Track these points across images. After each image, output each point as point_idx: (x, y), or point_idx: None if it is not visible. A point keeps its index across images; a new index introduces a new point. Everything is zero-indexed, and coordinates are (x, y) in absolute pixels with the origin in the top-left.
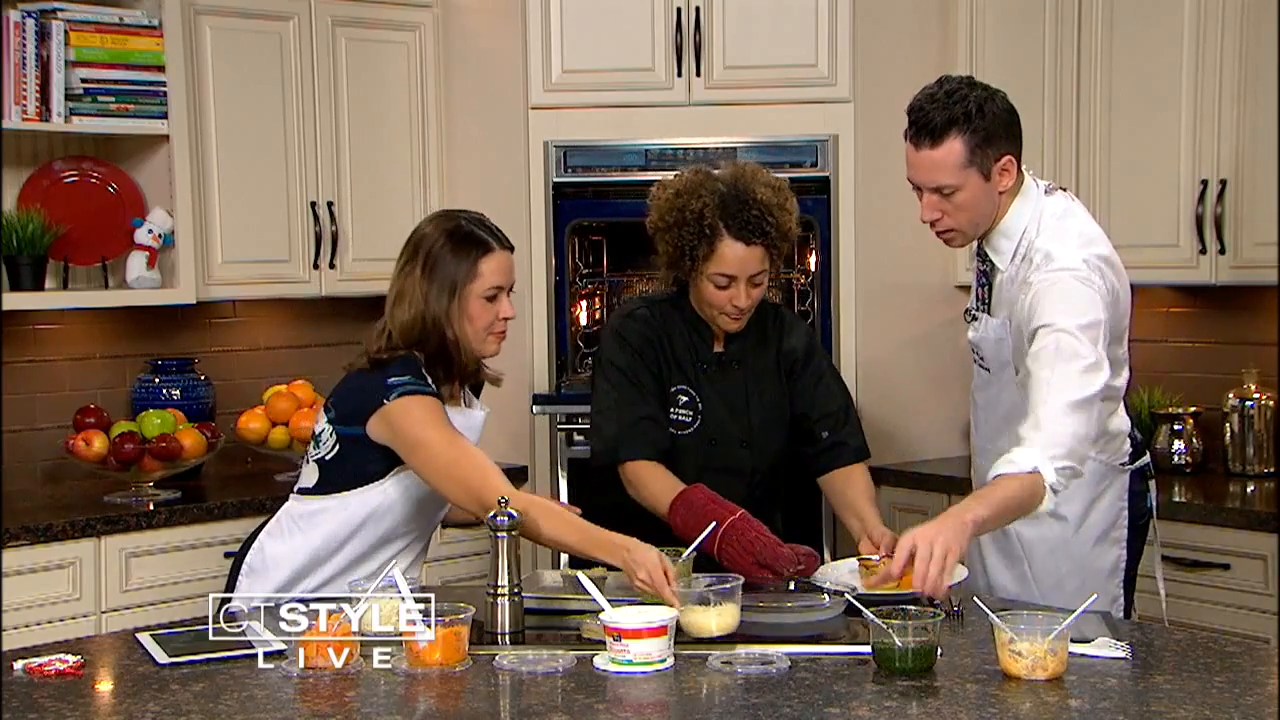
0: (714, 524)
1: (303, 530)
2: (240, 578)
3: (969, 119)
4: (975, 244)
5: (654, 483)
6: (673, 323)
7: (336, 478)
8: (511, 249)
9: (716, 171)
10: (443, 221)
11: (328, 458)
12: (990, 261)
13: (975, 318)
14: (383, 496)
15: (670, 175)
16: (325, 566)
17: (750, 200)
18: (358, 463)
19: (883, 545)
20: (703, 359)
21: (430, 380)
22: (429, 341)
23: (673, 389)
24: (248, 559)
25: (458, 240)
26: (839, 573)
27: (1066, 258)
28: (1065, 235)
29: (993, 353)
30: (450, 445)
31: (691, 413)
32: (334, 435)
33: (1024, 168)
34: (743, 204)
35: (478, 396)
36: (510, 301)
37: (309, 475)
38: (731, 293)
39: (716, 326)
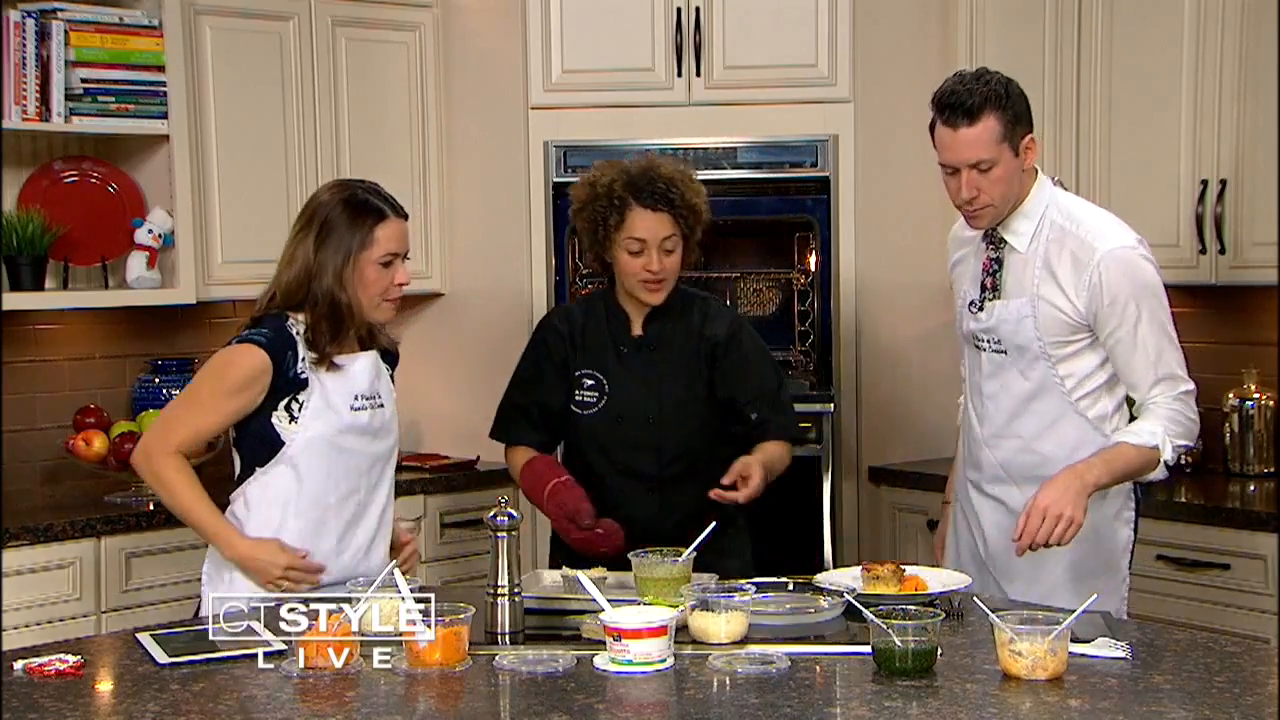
0: (714, 524)
1: (240, 520)
2: (202, 589)
3: (1000, 98)
4: (982, 236)
5: (516, 459)
6: (594, 313)
7: (248, 452)
8: (406, 217)
9: (627, 160)
10: (339, 190)
11: (234, 436)
12: (1001, 247)
13: (981, 307)
14: (298, 452)
15: None
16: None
17: (655, 175)
18: (257, 427)
19: (730, 471)
20: (620, 343)
21: (297, 337)
22: (318, 305)
23: (577, 373)
24: (203, 569)
25: (353, 208)
26: (842, 580)
27: (1121, 235)
28: (1101, 215)
29: (1010, 335)
30: (205, 394)
31: (597, 394)
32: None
33: None
34: (649, 178)
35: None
36: (405, 268)
37: (237, 463)
38: (645, 259)
39: (638, 302)
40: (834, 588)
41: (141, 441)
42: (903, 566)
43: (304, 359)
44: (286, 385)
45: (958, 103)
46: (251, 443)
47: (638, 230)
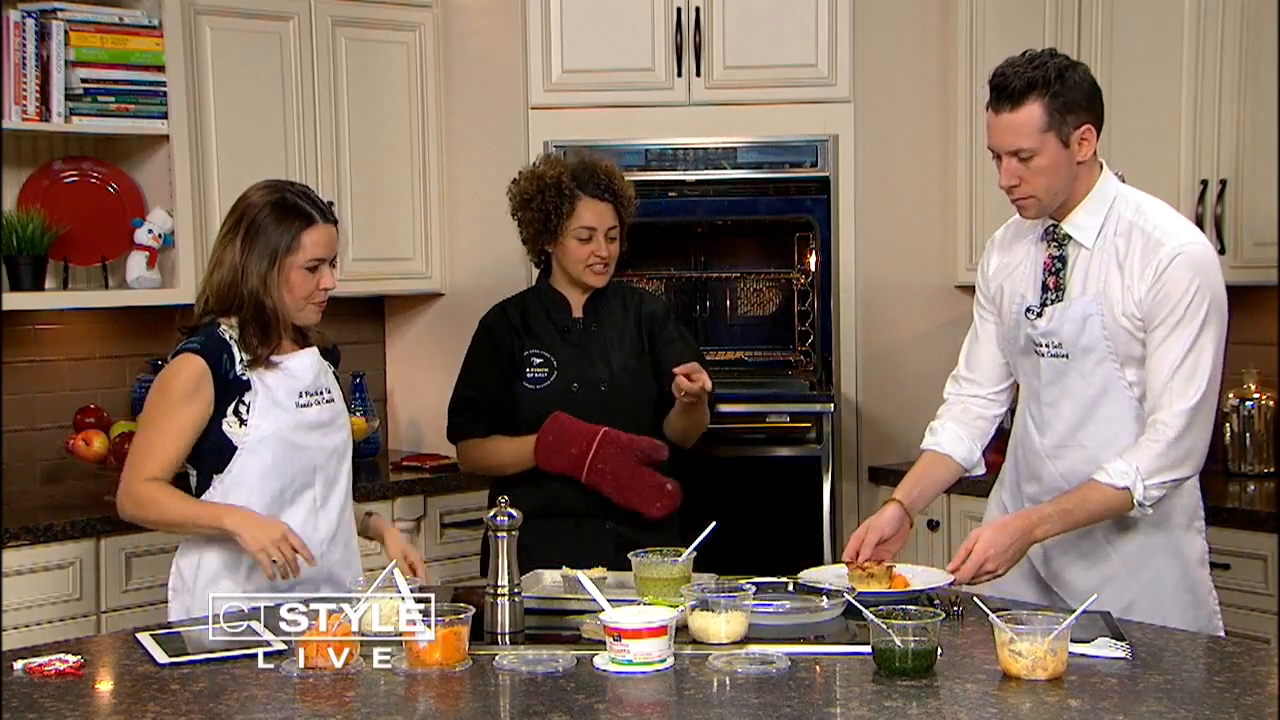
0: (714, 524)
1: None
2: (168, 604)
3: (1048, 84)
4: (1041, 232)
5: (500, 443)
6: (531, 304)
7: (203, 466)
8: (335, 223)
9: (563, 157)
10: (268, 192)
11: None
12: (1065, 244)
13: (1040, 312)
14: (250, 453)
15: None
16: (244, 555)
17: (597, 168)
18: (209, 436)
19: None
20: (563, 325)
21: (232, 342)
22: (244, 307)
23: (526, 353)
24: (169, 582)
25: (281, 211)
26: (826, 577)
27: (1196, 234)
28: (1171, 212)
29: (1074, 336)
30: (160, 415)
31: (546, 369)
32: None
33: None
34: (592, 172)
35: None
36: (331, 273)
37: (193, 478)
38: (594, 245)
39: (578, 288)
40: (818, 585)
41: (119, 490)
42: (888, 564)
43: (241, 360)
44: (229, 389)
45: (1003, 84)
46: (206, 453)
47: (587, 219)
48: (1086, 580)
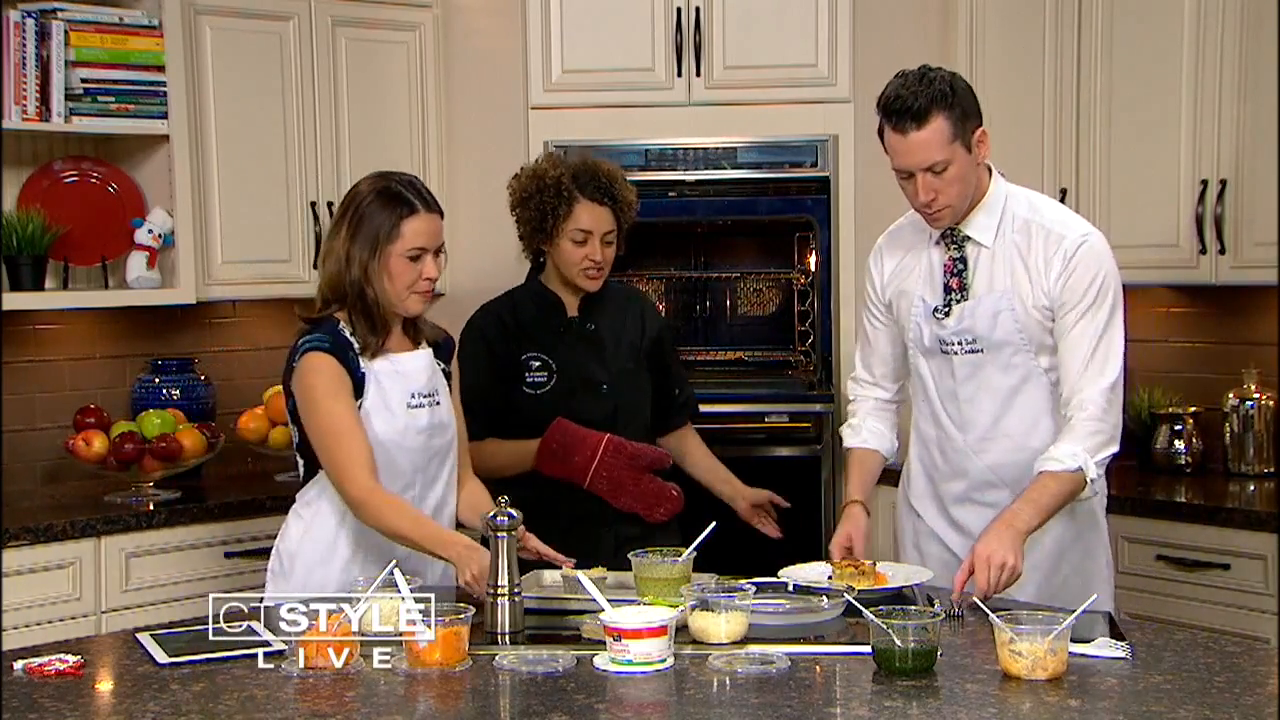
0: (714, 524)
1: (303, 519)
2: (267, 583)
3: (946, 97)
4: (936, 236)
5: (497, 446)
6: (523, 304)
7: (311, 457)
8: (440, 213)
9: (565, 157)
10: (374, 181)
11: (296, 440)
12: (965, 246)
13: (948, 311)
14: None
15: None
16: (339, 547)
17: (598, 171)
18: None
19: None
20: (559, 326)
21: (351, 337)
22: (350, 296)
23: (524, 356)
24: (269, 564)
25: (385, 199)
26: (809, 575)
27: (1087, 224)
28: (1058, 205)
29: (987, 331)
30: (328, 418)
31: (546, 373)
32: (289, 414)
33: None
34: (592, 174)
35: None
36: (436, 263)
37: (301, 467)
38: (589, 249)
39: (575, 288)
40: (818, 585)
41: (347, 499)
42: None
43: (361, 356)
44: (354, 386)
45: (904, 107)
46: (312, 446)
47: (583, 222)
48: (1025, 569)
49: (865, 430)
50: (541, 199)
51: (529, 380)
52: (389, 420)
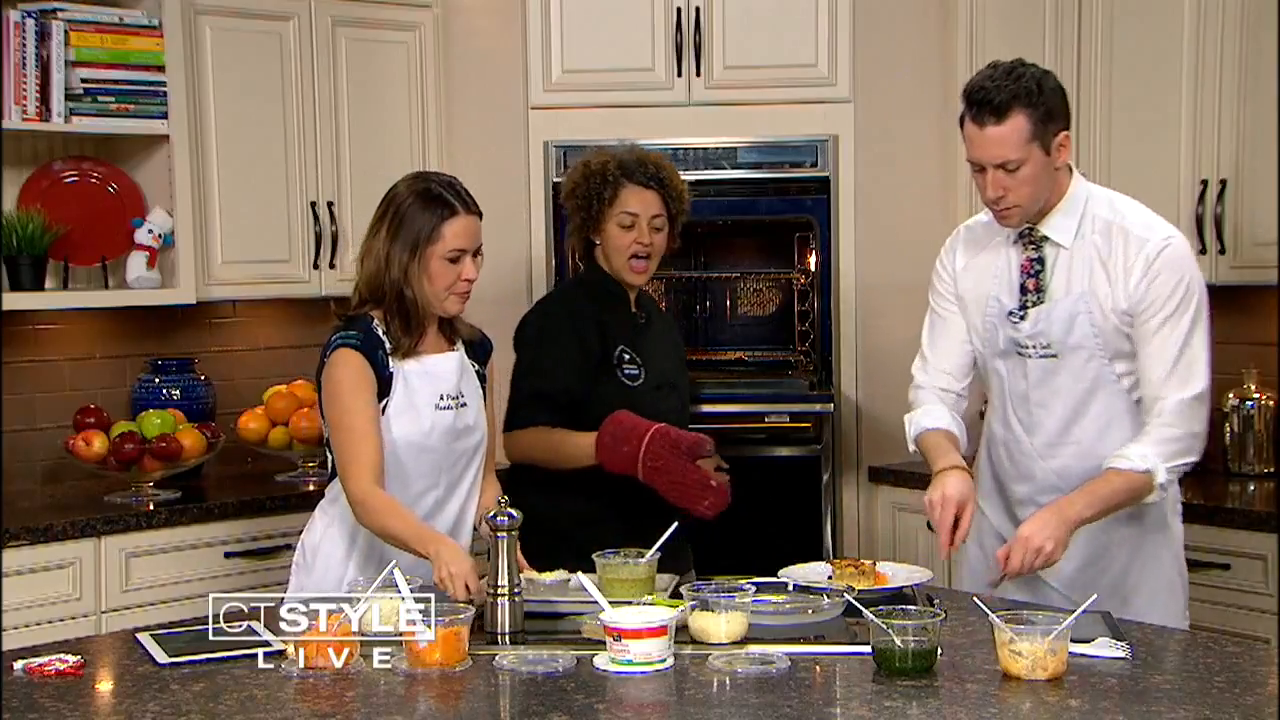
0: (676, 524)
1: (327, 514)
2: (290, 576)
3: (1030, 95)
4: (1014, 235)
5: (565, 436)
6: (598, 295)
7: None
8: (479, 214)
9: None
10: (415, 182)
11: (326, 436)
12: (1043, 247)
13: (1023, 315)
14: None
15: None
16: (359, 542)
17: (646, 159)
18: None
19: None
20: (631, 319)
21: (384, 336)
22: (388, 296)
23: (618, 350)
24: (294, 556)
25: (425, 201)
26: (812, 574)
27: (1171, 228)
28: (1142, 207)
29: (1062, 335)
30: (344, 415)
31: (636, 367)
32: (320, 409)
33: None
34: (640, 161)
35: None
36: (475, 264)
37: (330, 463)
38: (636, 232)
39: (624, 281)
40: (818, 585)
41: (348, 496)
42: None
43: (391, 356)
44: (380, 385)
45: (985, 99)
46: None
47: (630, 205)
48: (1089, 573)
49: (934, 414)
50: (588, 186)
51: (628, 373)
52: (414, 421)
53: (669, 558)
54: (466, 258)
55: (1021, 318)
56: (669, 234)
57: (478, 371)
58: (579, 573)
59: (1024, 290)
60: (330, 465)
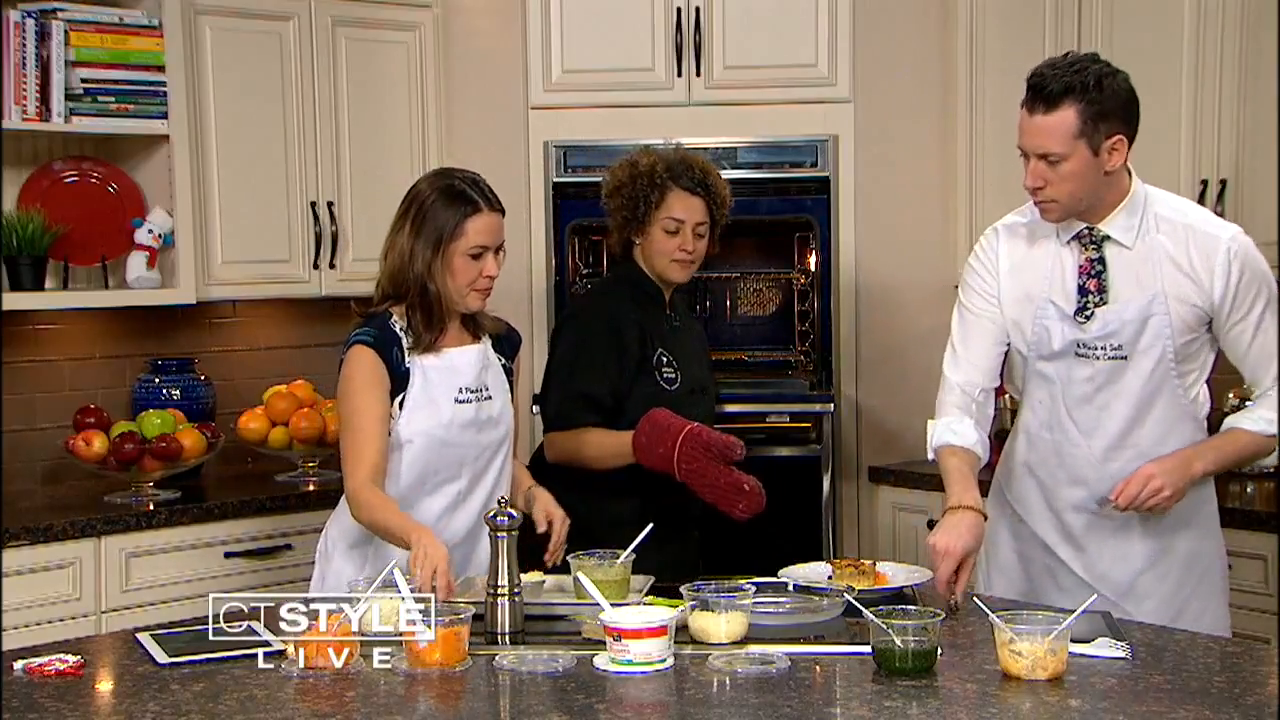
0: (651, 525)
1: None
2: (315, 566)
3: (1085, 90)
4: (1069, 234)
5: (604, 435)
6: (638, 296)
7: None
8: (502, 211)
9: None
10: (438, 178)
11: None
12: (1104, 247)
13: (1091, 314)
14: (397, 445)
15: None
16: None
17: (692, 162)
18: None
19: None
20: (667, 322)
21: (402, 333)
22: (410, 292)
23: (657, 352)
24: (318, 545)
25: (448, 197)
26: (812, 574)
27: (1233, 225)
28: (1200, 208)
29: (1134, 336)
30: (352, 413)
31: (673, 370)
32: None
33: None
34: (686, 165)
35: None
36: (497, 261)
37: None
38: (680, 239)
39: (665, 282)
40: (818, 585)
41: (345, 490)
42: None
43: (408, 352)
44: (396, 381)
45: (1040, 85)
46: None
47: (676, 211)
48: (1145, 580)
49: (959, 429)
50: (635, 187)
51: (666, 376)
52: (434, 414)
53: (681, 549)
54: (489, 254)
55: (1089, 317)
56: (710, 239)
57: (504, 365)
58: (579, 572)
59: (1083, 291)
60: None
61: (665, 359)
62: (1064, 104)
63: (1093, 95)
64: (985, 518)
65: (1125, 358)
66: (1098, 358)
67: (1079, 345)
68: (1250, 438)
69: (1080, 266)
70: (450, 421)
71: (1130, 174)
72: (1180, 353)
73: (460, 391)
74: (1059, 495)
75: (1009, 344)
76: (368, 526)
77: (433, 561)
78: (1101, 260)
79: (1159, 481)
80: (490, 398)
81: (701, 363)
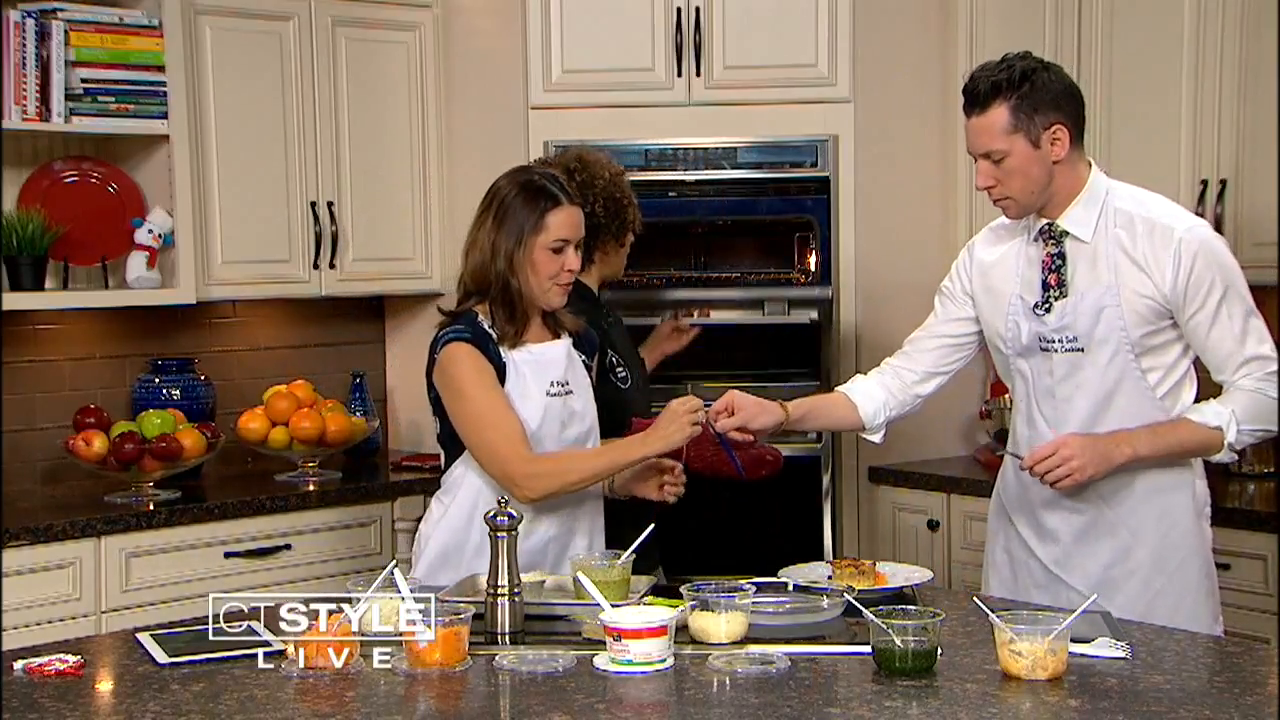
0: (652, 526)
1: (443, 504)
2: (413, 561)
3: (1013, 86)
4: (1033, 231)
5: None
6: (574, 303)
7: (451, 445)
8: (580, 206)
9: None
10: (517, 175)
11: (438, 431)
12: (1064, 242)
13: (1049, 308)
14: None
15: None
16: (471, 534)
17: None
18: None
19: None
20: (603, 322)
21: (489, 329)
22: (493, 287)
23: (609, 356)
24: (413, 546)
25: (529, 192)
26: (812, 574)
27: (1192, 217)
28: (1163, 199)
29: (1089, 329)
30: (474, 404)
31: (624, 368)
32: (432, 405)
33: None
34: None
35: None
36: (576, 255)
37: (442, 457)
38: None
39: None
40: (818, 585)
41: (515, 486)
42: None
43: (500, 346)
44: (496, 373)
45: (971, 89)
46: (452, 434)
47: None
48: (1113, 575)
49: (860, 383)
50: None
51: (618, 376)
52: (528, 408)
53: (639, 557)
54: (569, 248)
55: (1047, 310)
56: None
57: (585, 363)
58: (579, 572)
59: (1046, 286)
60: (443, 459)
61: (615, 360)
62: (994, 103)
63: (1021, 90)
64: (784, 410)
65: (1082, 350)
66: (1057, 350)
67: (1041, 339)
68: (1192, 429)
69: (1043, 261)
70: (543, 416)
71: (1090, 165)
72: (1139, 345)
73: (551, 385)
74: (1032, 489)
75: (971, 348)
76: (574, 489)
77: (689, 411)
78: (1062, 255)
79: (1072, 456)
80: (573, 392)
81: (634, 352)
